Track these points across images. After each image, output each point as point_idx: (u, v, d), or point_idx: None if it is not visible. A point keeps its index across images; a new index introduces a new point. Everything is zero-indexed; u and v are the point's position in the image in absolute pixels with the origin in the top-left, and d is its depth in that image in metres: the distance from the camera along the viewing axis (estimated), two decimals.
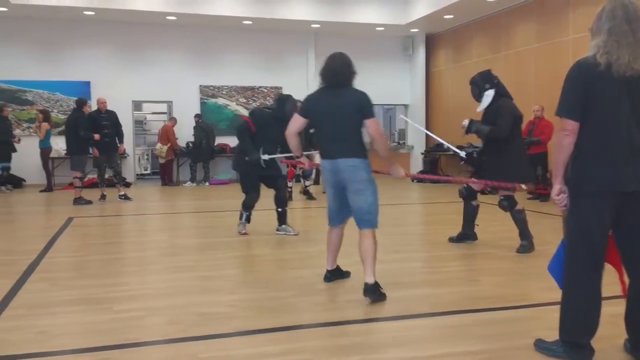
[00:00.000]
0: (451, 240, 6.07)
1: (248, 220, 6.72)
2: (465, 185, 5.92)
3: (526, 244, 5.66)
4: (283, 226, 6.75)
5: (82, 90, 13.26)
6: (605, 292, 4.17)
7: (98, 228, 7.90)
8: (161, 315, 3.76)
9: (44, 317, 3.72)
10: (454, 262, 5.34)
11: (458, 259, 5.51)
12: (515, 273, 4.92)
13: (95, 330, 3.47)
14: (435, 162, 15.22)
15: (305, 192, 10.48)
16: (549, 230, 7.59)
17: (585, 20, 10.74)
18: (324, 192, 11.02)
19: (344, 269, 4.57)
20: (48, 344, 3.25)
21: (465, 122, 5.80)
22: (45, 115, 12.28)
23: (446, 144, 6.27)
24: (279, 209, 6.75)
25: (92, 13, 13.02)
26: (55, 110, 13.65)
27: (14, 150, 12.25)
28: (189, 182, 13.82)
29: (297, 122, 4.28)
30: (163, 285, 4.59)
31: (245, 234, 6.63)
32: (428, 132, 7.50)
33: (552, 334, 3.16)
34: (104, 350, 3.14)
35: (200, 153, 13.72)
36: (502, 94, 5.64)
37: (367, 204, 4.01)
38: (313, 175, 13.31)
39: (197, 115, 14.05)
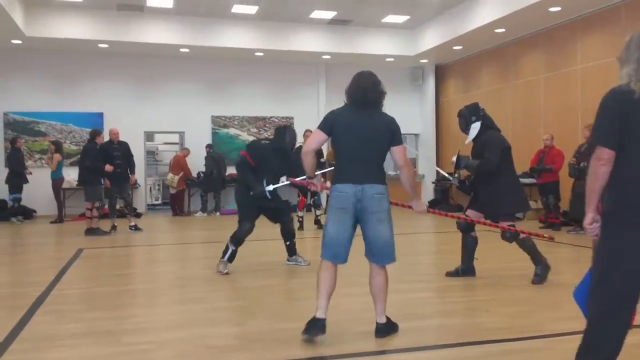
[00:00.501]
0: (449, 274, 5.91)
1: (231, 259, 6.14)
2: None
3: (540, 272, 5.56)
4: (294, 257, 6.70)
5: (95, 121, 13.44)
6: None
7: (108, 259, 7.90)
8: (170, 348, 3.72)
9: (51, 350, 3.69)
10: (466, 292, 5.27)
11: (470, 289, 5.43)
12: (528, 303, 4.84)
13: None
14: (446, 192, 15.17)
15: (317, 222, 10.45)
16: (561, 259, 7.49)
17: (592, 50, 10.79)
18: (316, 220, 10.70)
19: (351, 299, 4.48)
20: None
21: (454, 159, 5.82)
22: (57, 147, 12.43)
23: (438, 169, 6.30)
24: (287, 242, 6.66)
25: (106, 46, 13.29)
26: (67, 142, 13.83)
27: (26, 181, 12.37)
28: (200, 212, 13.84)
29: (317, 138, 3.85)
30: (172, 317, 4.56)
31: (226, 273, 6.07)
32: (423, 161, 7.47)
33: None
34: None
35: (212, 183, 13.78)
36: (489, 126, 5.68)
37: (388, 236, 3.76)
38: (324, 205, 13.31)
39: (208, 145, 14.16)
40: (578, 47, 11.17)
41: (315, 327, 3.72)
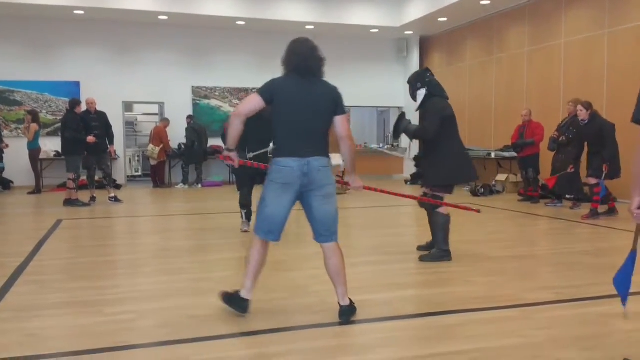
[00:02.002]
0: (420, 248, 5.83)
1: (248, 217, 6.96)
2: (422, 195, 5.66)
3: (436, 254, 5.37)
4: None
5: (71, 90, 13.18)
6: (596, 291, 4.20)
7: (88, 230, 7.84)
8: (152, 318, 3.71)
9: (32, 320, 3.66)
10: (446, 263, 5.33)
11: (450, 260, 5.49)
12: (504, 274, 4.92)
13: (85, 333, 3.43)
14: None
15: None
16: (538, 232, 7.63)
17: (577, 23, 10.81)
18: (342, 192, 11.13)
19: None
20: (37, 347, 3.20)
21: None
22: (34, 116, 12.20)
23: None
24: None
25: (82, 12, 12.96)
26: (44, 111, 13.57)
27: (1, 152, 12.18)
28: (181, 184, 13.75)
29: (254, 103, 3.50)
30: (154, 287, 4.55)
31: (245, 231, 6.84)
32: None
33: (540, 334, 3.17)
34: (94, 353, 3.09)
35: (193, 155, 13.67)
36: (434, 94, 5.42)
37: (335, 212, 3.57)
38: None
39: (189, 117, 13.98)
40: (563, 20, 11.17)
41: (242, 307, 3.64)
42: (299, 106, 3.50)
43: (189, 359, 3.03)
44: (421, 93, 5.44)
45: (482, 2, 12.22)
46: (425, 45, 16.05)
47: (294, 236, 6.57)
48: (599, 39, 10.30)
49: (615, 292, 2.83)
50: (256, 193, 6.65)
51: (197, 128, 13.69)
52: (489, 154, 12.62)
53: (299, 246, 6.12)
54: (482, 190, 11.48)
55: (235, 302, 3.67)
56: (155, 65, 14.39)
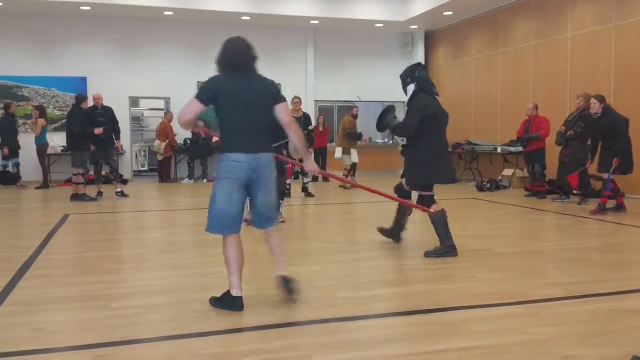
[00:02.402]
0: (382, 231, 5.83)
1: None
2: (398, 186, 5.66)
3: (441, 250, 5.33)
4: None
5: (78, 86, 13.21)
6: (604, 287, 4.18)
7: (94, 225, 7.87)
8: (158, 312, 3.73)
9: (39, 314, 3.69)
10: (449, 258, 5.31)
11: (453, 256, 5.48)
12: (510, 270, 4.90)
13: (92, 327, 3.44)
14: None
15: (304, 190, 10.46)
16: (545, 227, 7.60)
17: (584, 17, 10.74)
18: (345, 188, 11.37)
19: (340, 265, 4.51)
20: (44, 341, 3.22)
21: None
22: (41, 111, 12.26)
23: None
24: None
25: (89, 8, 12.98)
26: (51, 106, 13.61)
27: (19, 147, 12.40)
28: (187, 179, 13.78)
29: (193, 109, 3.61)
30: (160, 282, 4.57)
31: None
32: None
33: (546, 330, 3.15)
34: (101, 347, 3.11)
35: (198, 149, 13.69)
36: (422, 89, 5.37)
37: (274, 201, 3.80)
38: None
39: None
40: (569, 14, 11.10)
41: (236, 305, 3.67)
42: (241, 103, 3.62)
43: (196, 353, 3.04)
44: (410, 88, 5.43)
45: None
46: (431, 40, 15.99)
47: (298, 231, 6.59)
48: (606, 32, 10.23)
49: (624, 288, 2.83)
50: None
51: (204, 123, 13.70)
52: (495, 149, 12.58)
53: (302, 242, 6.13)
54: (488, 185, 11.45)
55: (228, 302, 3.70)
56: (161, 60, 14.41)
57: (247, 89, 3.65)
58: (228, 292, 3.72)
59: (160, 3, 12.96)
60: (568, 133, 9.09)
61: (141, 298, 4.07)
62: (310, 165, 4.09)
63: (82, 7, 12.92)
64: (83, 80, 13.63)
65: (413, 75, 5.43)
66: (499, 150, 12.46)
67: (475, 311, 3.73)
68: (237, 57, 3.70)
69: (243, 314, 3.66)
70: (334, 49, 15.34)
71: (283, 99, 3.76)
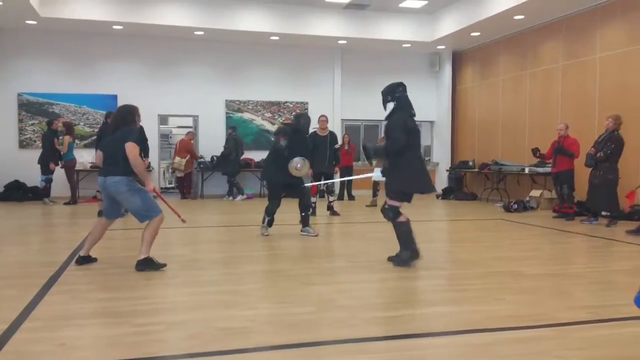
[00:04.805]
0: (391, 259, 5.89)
1: (270, 224, 7.69)
2: (386, 206, 5.74)
3: (404, 257, 5.64)
4: (306, 228, 7.59)
5: (109, 103, 13.46)
6: (633, 311, 4.04)
7: (120, 241, 7.95)
8: (181, 329, 3.72)
9: (63, 329, 3.71)
10: (476, 280, 5.23)
11: (480, 277, 5.38)
12: (538, 292, 4.79)
13: (115, 343, 3.45)
14: (461, 179, 15.07)
15: (330, 208, 10.42)
16: (573, 250, 7.43)
17: (611, 38, 10.60)
18: (368, 206, 11.50)
19: (365, 285, 4.46)
20: (67, 356, 3.24)
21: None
22: (68, 128, 12.45)
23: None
24: (303, 213, 7.60)
25: (121, 27, 13.28)
26: (81, 123, 13.90)
27: (57, 163, 12.50)
28: (229, 196, 13.89)
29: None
30: (183, 299, 4.57)
31: (267, 235, 7.55)
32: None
33: (574, 354, 3.05)
34: None
35: (229, 166, 13.77)
36: (399, 108, 5.70)
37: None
38: (337, 191, 13.27)
39: (231, 127, 14.16)
40: (597, 35, 10.97)
41: (160, 266, 5.53)
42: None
43: None
44: (389, 106, 5.77)
45: (515, 17, 12.09)
46: (458, 60, 15.95)
47: (324, 250, 6.56)
48: (636, 53, 10.05)
49: None
50: (284, 204, 6.70)
51: (238, 140, 13.82)
52: (523, 169, 12.40)
53: (327, 261, 6.09)
54: (516, 206, 11.28)
55: (152, 264, 5.32)
56: (191, 79, 14.64)
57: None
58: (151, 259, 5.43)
59: (191, 23, 13.20)
60: (598, 155, 8.93)
61: (164, 315, 4.08)
62: (149, 185, 5.48)
63: (114, 27, 13.23)
64: (114, 98, 13.89)
65: (394, 94, 5.78)
66: (526, 171, 12.29)
67: (503, 334, 3.66)
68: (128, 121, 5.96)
69: (264, 333, 3.63)
70: (362, 69, 15.39)
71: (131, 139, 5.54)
